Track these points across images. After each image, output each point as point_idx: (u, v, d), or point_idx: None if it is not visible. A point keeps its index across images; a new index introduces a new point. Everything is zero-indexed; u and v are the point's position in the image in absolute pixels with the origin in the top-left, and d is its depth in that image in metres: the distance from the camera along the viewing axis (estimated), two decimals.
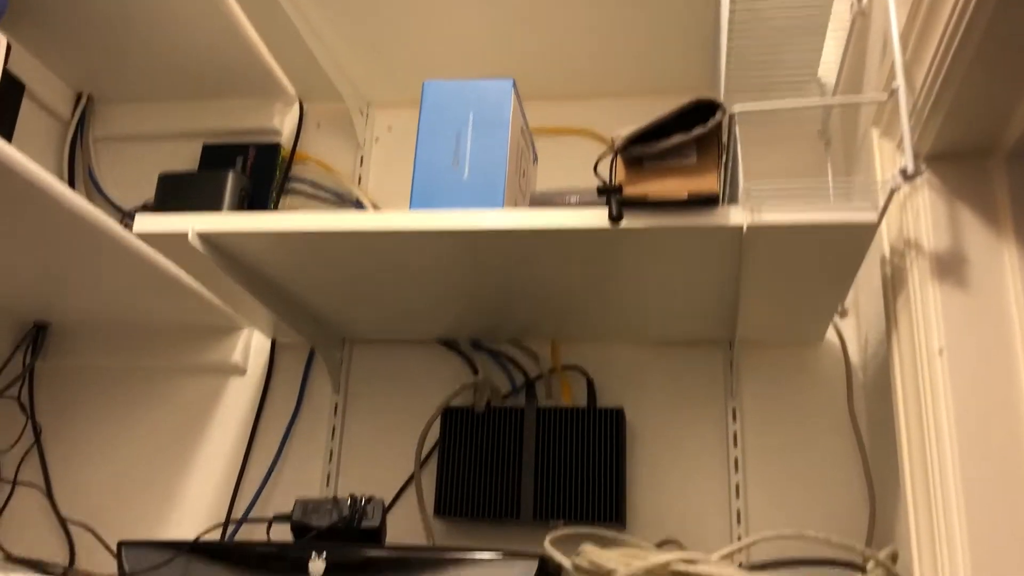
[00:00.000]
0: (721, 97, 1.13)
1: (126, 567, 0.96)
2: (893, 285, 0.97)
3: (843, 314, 1.22)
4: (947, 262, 0.88)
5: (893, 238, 0.98)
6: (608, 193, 0.91)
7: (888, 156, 1.00)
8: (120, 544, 0.97)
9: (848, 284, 1.02)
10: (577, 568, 0.92)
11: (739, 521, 1.17)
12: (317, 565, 0.93)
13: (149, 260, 1.14)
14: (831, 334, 1.22)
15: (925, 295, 0.88)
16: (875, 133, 1.03)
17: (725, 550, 0.87)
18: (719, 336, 1.23)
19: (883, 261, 1.01)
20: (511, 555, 0.91)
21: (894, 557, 0.93)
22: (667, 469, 1.21)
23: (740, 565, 1.06)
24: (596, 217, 0.92)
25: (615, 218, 0.90)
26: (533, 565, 0.90)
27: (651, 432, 1.23)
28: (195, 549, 0.95)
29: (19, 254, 1.14)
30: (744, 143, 1.31)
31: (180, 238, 0.99)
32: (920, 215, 0.91)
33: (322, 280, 1.11)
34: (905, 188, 0.93)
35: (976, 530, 0.80)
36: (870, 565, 0.87)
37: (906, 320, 0.92)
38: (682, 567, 0.83)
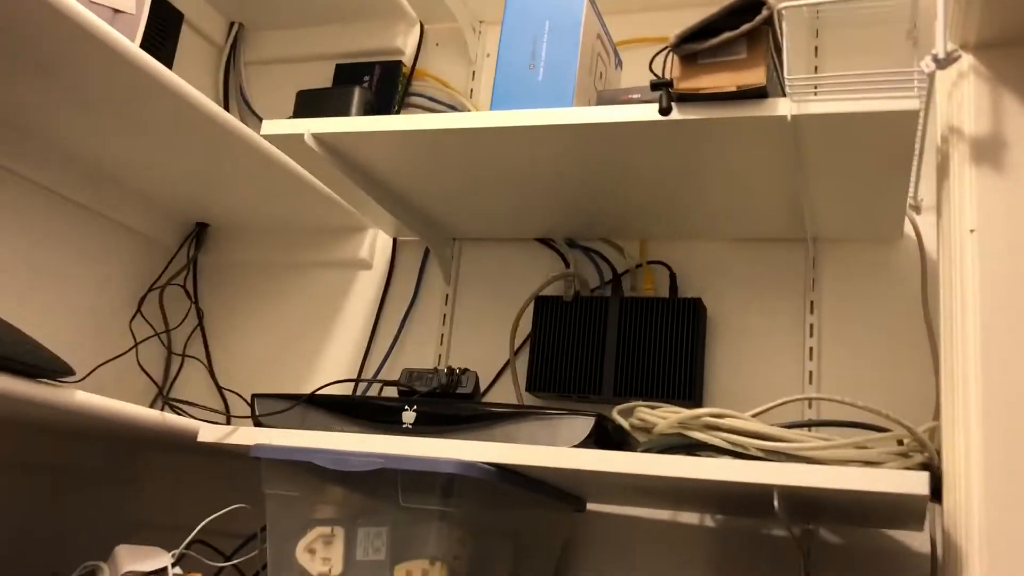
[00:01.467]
0: None
1: (257, 412, 1.15)
2: (942, 171, 1.01)
3: (917, 209, 1.24)
4: (985, 146, 0.92)
5: (944, 128, 1.01)
6: (660, 87, 1.00)
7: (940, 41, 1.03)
8: (253, 396, 1.17)
9: (906, 173, 1.06)
10: (632, 426, 1.04)
11: (810, 406, 1.24)
12: (408, 415, 1.09)
13: (289, 168, 1.32)
14: (909, 230, 1.25)
15: (962, 178, 0.92)
16: (938, 27, 1.05)
17: (756, 409, 0.96)
18: (797, 233, 1.29)
19: (936, 149, 1.04)
20: (574, 413, 1.03)
21: (932, 433, 0.98)
22: (744, 355, 1.29)
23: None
24: (649, 111, 1.01)
25: (664, 111, 0.99)
26: (591, 422, 1.02)
27: (729, 322, 1.31)
28: (312, 400, 1.13)
29: (181, 165, 1.35)
30: (835, 48, 1.34)
31: (298, 139, 1.16)
32: (964, 102, 0.94)
33: (427, 179, 1.25)
34: (952, 77, 0.96)
35: (990, 404, 0.85)
36: (902, 433, 0.93)
37: (946, 204, 0.97)
38: (712, 420, 0.93)
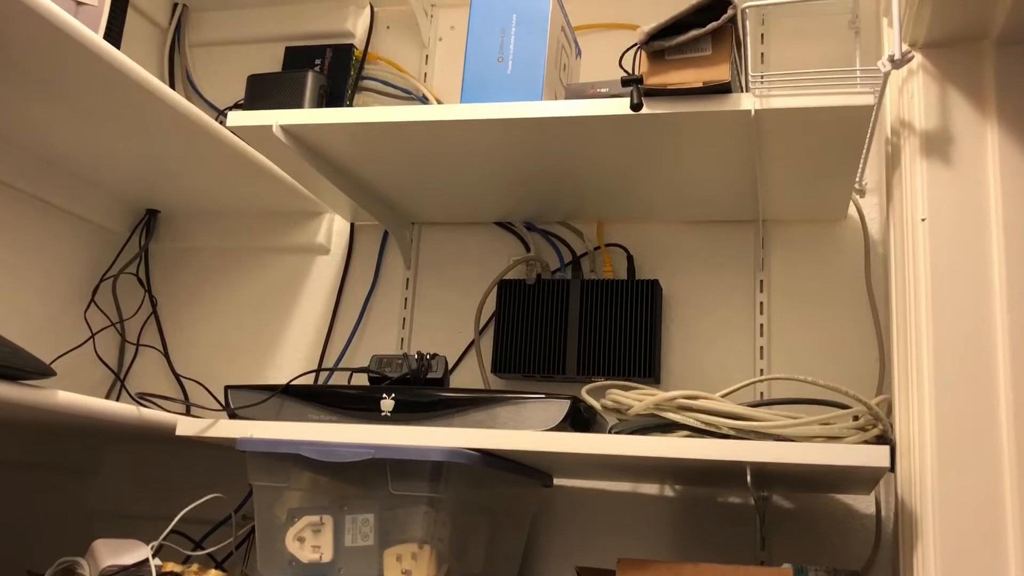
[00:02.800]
0: None
1: (231, 405, 1.16)
2: (891, 162, 1.07)
3: (861, 192, 1.32)
4: (934, 140, 0.98)
5: (893, 120, 1.08)
6: (631, 83, 1.04)
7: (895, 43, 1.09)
8: (227, 388, 1.17)
9: (856, 160, 1.12)
10: (604, 407, 1.08)
11: (760, 355, 1.31)
12: (387, 403, 1.11)
13: (242, 152, 1.32)
14: (853, 211, 1.33)
15: (913, 169, 0.99)
16: (884, 23, 1.11)
17: (726, 390, 1.02)
18: (749, 215, 1.35)
19: (885, 141, 1.11)
20: (550, 396, 1.07)
21: (884, 405, 1.06)
22: (698, 333, 1.36)
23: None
24: (620, 105, 1.04)
25: (635, 106, 1.03)
26: (566, 404, 1.06)
27: (685, 302, 1.37)
28: (288, 391, 1.15)
29: (130, 148, 1.33)
30: (779, 35, 1.40)
31: (266, 131, 1.16)
32: (914, 98, 1.00)
33: (390, 168, 1.27)
34: (903, 74, 1.03)
35: (941, 379, 0.92)
36: (859, 408, 1.00)
37: (898, 193, 1.03)
38: (686, 402, 0.98)
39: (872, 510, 1.23)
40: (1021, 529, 0.87)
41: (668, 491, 1.32)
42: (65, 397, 0.99)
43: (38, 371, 0.97)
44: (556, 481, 1.35)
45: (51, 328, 1.42)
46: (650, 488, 1.32)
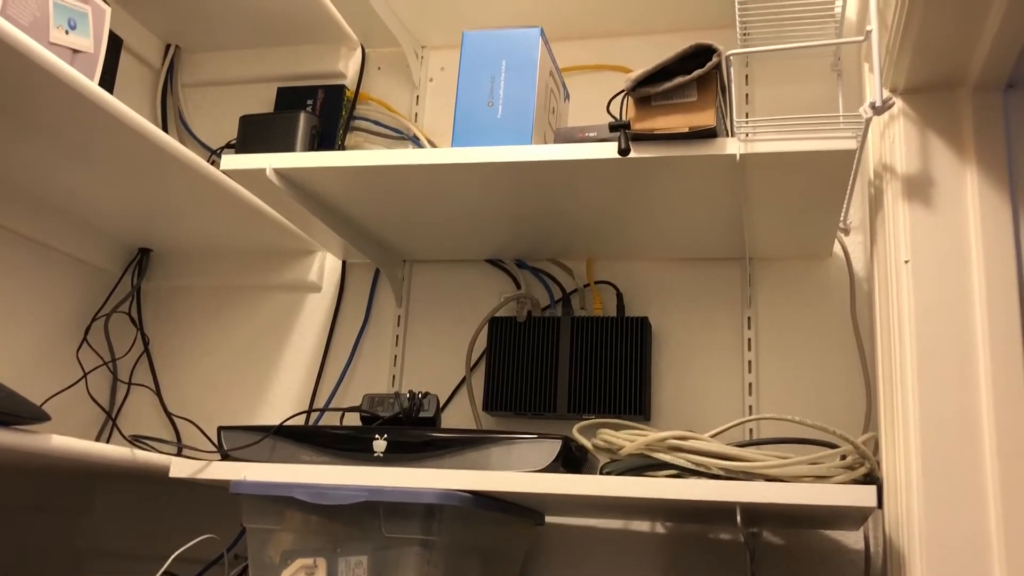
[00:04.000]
0: (737, 31, 1.26)
1: (224, 446, 1.17)
2: (874, 204, 1.10)
3: (846, 231, 1.34)
4: (916, 183, 1.01)
5: (876, 162, 1.10)
6: (618, 128, 1.06)
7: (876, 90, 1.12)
8: (220, 428, 1.18)
9: (840, 203, 1.15)
10: (596, 447, 1.10)
11: (751, 414, 1.33)
12: (379, 444, 1.12)
13: (234, 193, 1.33)
14: (838, 248, 1.35)
15: (896, 212, 1.01)
16: (866, 68, 1.14)
17: (715, 430, 1.03)
18: (736, 253, 1.37)
19: (868, 183, 1.13)
20: (541, 436, 1.08)
21: (871, 443, 1.07)
22: (687, 370, 1.37)
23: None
24: (608, 150, 1.06)
25: (623, 151, 1.05)
26: (558, 444, 1.07)
27: (674, 338, 1.39)
28: (280, 432, 1.16)
29: (123, 189, 1.34)
30: (763, 77, 1.43)
31: (259, 173, 1.18)
32: (895, 142, 1.03)
33: (382, 208, 1.29)
34: (884, 118, 1.05)
35: (927, 418, 0.94)
36: (847, 447, 1.01)
37: (881, 235, 1.05)
38: (676, 442, 0.99)
39: (861, 546, 1.24)
40: (1007, 565, 0.88)
41: (659, 528, 1.32)
42: (59, 441, 1.00)
43: (32, 416, 0.97)
44: (548, 519, 1.35)
45: (43, 367, 1.43)
46: (641, 525, 1.33)
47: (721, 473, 0.98)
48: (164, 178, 1.29)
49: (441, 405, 1.44)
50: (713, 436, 1.01)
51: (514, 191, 1.19)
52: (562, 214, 1.27)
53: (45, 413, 0.98)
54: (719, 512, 1.13)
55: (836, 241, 1.33)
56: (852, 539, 1.25)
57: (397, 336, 1.49)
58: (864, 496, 0.90)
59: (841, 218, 1.28)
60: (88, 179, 1.31)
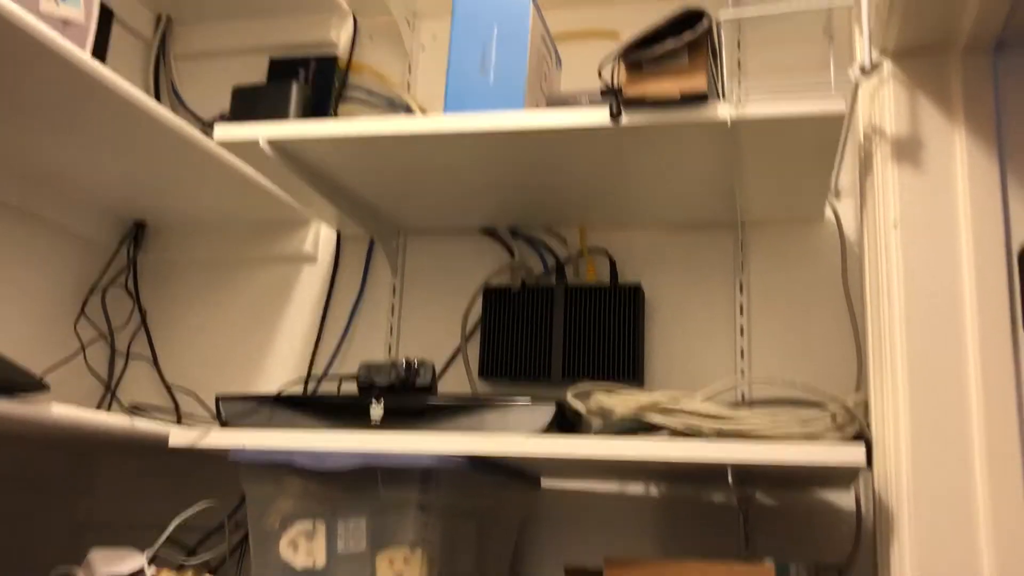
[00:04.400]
0: None
1: (223, 415, 1.18)
2: (864, 166, 1.10)
3: (837, 194, 1.35)
4: (905, 146, 1.01)
5: (866, 125, 1.10)
6: (610, 94, 1.06)
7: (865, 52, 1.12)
8: (218, 397, 1.19)
9: (831, 167, 1.15)
10: (589, 411, 1.11)
11: (742, 378, 1.34)
12: (376, 410, 1.13)
13: (228, 164, 1.34)
14: (829, 213, 1.36)
15: (885, 175, 1.02)
16: (856, 30, 1.14)
17: (707, 391, 1.05)
18: (728, 219, 1.38)
19: (858, 145, 1.14)
20: (536, 400, 1.10)
21: (861, 404, 1.09)
22: (680, 335, 1.38)
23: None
24: (599, 115, 1.07)
25: (615, 115, 1.05)
26: (552, 408, 1.09)
27: (667, 304, 1.40)
28: (278, 400, 1.17)
29: (118, 161, 1.34)
30: (755, 41, 1.43)
31: (253, 144, 1.18)
32: (885, 105, 1.03)
33: (375, 177, 1.29)
34: (874, 81, 1.05)
35: (915, 378, 0.95)
36: (836, 408, 1.03)
37: (871, 198, 1.06)
38: (668, 405, 1.01)
39: (852, 506, 1.26)
40: (992, 522, 0.90)
41: (653, 491, 1.34)
42: (60, 410, 1.01)
43: (32, 386, 0.98)
44: (544, 483, 1.37)
45: (41, 340, 1.44)
46: (636, 488, 1.35)
47: (713, 434, 0.99)
48: (158, 149, 1.29)
49: (438, 373, 1.45)
50: (705, 399, 1.03)
51: (507, 158, 1.20)
52: (555, 182, 1.28)
53: (43, 382, 0.99)
54: (712, 474, 1.15)
55: (827, 205, 1.34)
56: (844, 500, 1.27)
57: (393, 306, 1.50)
58: (853, 454, 0.92)
59: (832, 182, 1.29)
60: (81, 151, 1.31)
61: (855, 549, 1.24)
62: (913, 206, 0.99)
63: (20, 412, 0.96)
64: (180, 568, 1.30)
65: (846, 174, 1.36)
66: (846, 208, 1.36)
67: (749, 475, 1.11)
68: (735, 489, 1.03)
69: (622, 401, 1.04)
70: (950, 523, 0.91)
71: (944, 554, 0.90)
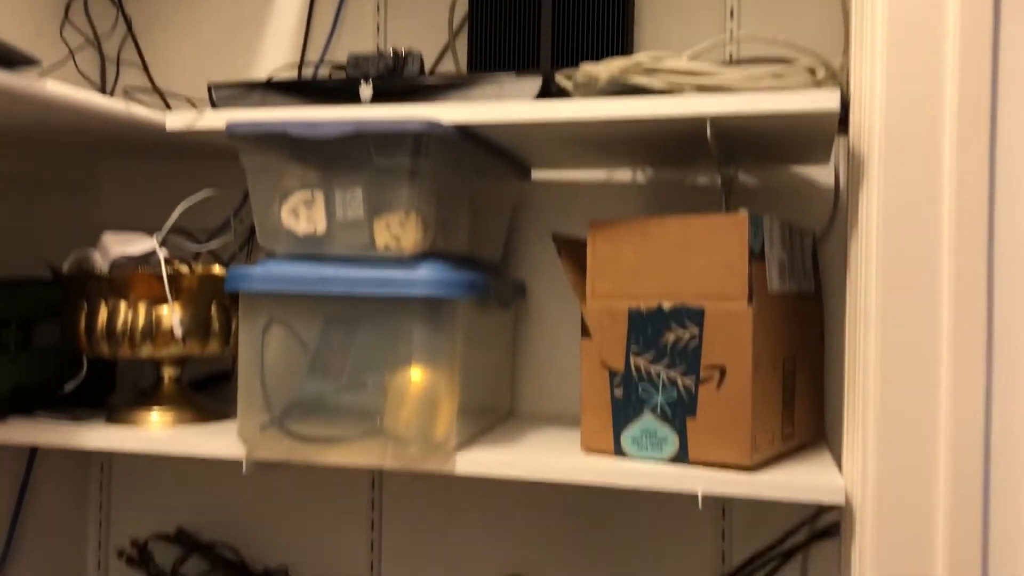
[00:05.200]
0: None
1: (215, 100, 1.20)
2: None
3: None
4: None
5: None
6: None
7: None
8: (210, 84, 1.21)
9: None
10: (576, 84, 1.13)
11: (731, 16, 1.34)
12: (366, 90, 1.15)
13: None
14: None
15: None
16: None
17: (692, 50, 1.06)
18: None
19: None
20: (522, 73, 1.11)
21: (845, 68, 1.10)
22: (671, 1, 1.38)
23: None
24: None
25: None
26: (538, 80, 1.11)
27: None
28: (269, 86, 1.19)
29: None
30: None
31: None
32: None
33: None
34: None
35: (893, 37, 0.96)
36: (814, 61, 1.04)
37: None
38: (652, 64, 1.02)
39: (831, 181, 1.31)
40: (956, 173, 0.93)
41: (640, 177, 1.39)
42: (55, 87, 1.03)
43: (23, 59, 1.00)
44: (534, 175, 1.41)
45: (28, 45, 1.43)
46: (623, 175, 1.39)
47: (695, 91, 1.02)
48: None
49: (427, 70, 1.46)
50: (690, 58, 1.04)
51: None
52: None
53: (36, 56, 1.00)
54: (695, 148, 1.19)
55: None
56: (823, 174, 1.32)
57: (378, 4, 1.48)
58: (827, 99, 0.94)
59: None
60: None
61: (831, 220, 1.30)
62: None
63: (14, 85, 0.98)
64: (196, 257, 1.38)
65: None
66: None
67: (729, 142, 1.15)
68: (717, 157, 1.07)
69: (606, 66, 1.05)
70: (920, 174, 0.95)
71: (910, 212, 0.95)
